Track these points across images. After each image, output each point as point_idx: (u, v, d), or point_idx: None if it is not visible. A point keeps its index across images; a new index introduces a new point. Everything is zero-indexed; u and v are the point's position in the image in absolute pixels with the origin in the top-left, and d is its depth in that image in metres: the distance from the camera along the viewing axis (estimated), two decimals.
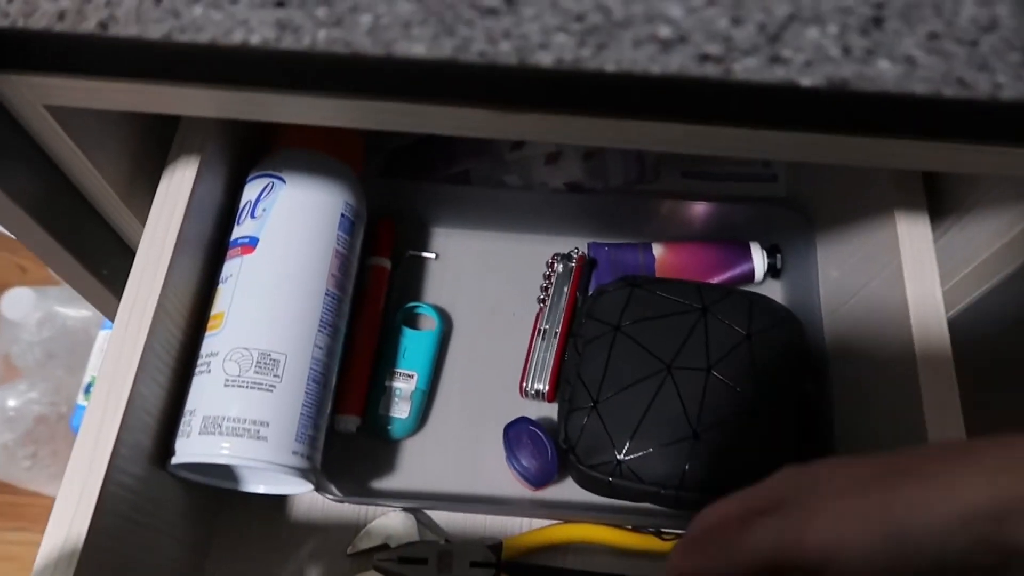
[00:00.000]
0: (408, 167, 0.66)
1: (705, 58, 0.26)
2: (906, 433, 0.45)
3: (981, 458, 0.26)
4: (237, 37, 0.27)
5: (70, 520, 0.40)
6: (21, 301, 0.97)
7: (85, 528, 0.40)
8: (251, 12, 0.26)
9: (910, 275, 0.47)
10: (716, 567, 0.29)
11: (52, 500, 1.17)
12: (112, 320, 0.54)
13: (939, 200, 0.50)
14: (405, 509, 0.56)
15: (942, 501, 0.26)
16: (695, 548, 0.30)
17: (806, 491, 0.29)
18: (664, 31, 0.25)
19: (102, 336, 0.94)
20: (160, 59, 0.34)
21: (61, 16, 0.27)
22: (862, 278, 0.53)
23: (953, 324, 0.53)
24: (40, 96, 0.39)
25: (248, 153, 0.56)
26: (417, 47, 0.27)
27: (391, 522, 0.56)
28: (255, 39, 0.27)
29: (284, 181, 0.53)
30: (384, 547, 0.55)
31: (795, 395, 0.57)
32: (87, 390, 0.92)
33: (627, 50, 0.26)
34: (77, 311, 1.00)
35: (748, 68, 0.26)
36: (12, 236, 0.46)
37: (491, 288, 0.66)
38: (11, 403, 0.95)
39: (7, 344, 1.03)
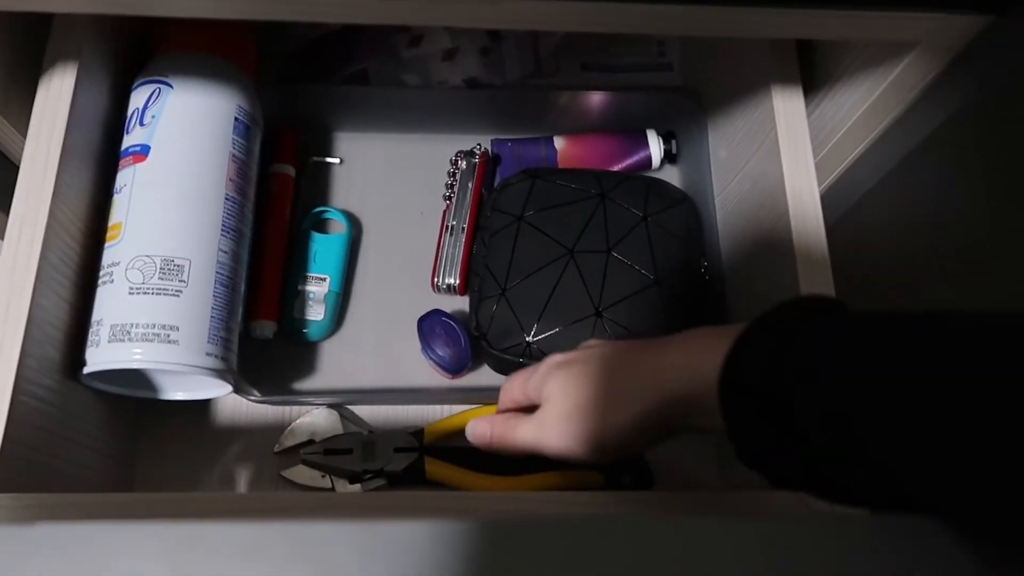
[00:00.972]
0: (305, 71, 0.65)
1: None
2: (786, 294, 0.49)
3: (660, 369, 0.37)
4: None
5: None
6: None
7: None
8: None
9: (785, 145, 0.50)
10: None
11: None
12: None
13: (812, 72, 0.53)
14: (328, 406, 0.58)
15: (622, 420, 0.38)
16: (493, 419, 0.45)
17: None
18: None
19: None
20: None
21: None
22: (745, 155, 0.56)
23: (829, 191, 0.56)
24: None
25: (133, 59, 0.55)
26: None
27: (315, 419, 0.58)
28: None
29: (172, 86, 0.52)
30: (310, 443, 0.57)
31: (690, 270, 0.60)
32: None
33: None
34: None
35: None
36: None
37: (397, 189, 0.67)
38: None
39: None
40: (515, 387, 0.45)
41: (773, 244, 0.51)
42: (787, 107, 0.51)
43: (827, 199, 0.52)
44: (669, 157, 0.68)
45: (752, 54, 0.56)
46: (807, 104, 0.52)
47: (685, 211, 0.62)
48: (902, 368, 0.28)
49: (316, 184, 0.66)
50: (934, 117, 0.46)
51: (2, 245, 0.44)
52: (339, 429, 0.58)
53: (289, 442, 0.57)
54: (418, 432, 0.57)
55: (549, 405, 0.41)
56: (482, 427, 0.45)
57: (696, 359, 0.35)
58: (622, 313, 0.57)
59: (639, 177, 0.64)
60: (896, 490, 0.28)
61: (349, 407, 0.60)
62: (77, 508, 0.40)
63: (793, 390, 0.31)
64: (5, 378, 0.42)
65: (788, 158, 0.49)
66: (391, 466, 0.55)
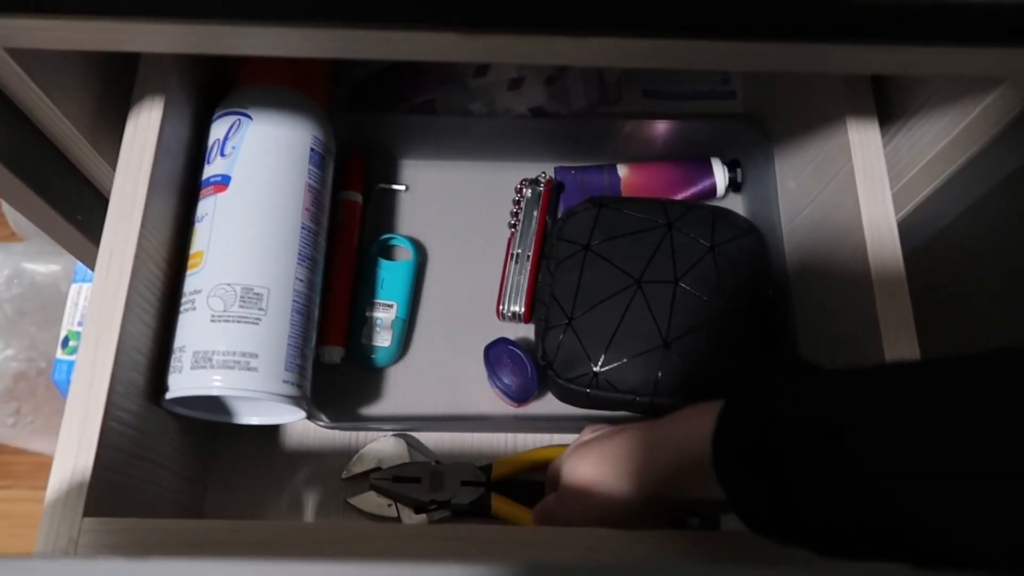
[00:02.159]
0: (373, 99, 0.66)
1: None
2: (861, 330, 0.48)
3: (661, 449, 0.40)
4: None
5: (75, 457, 0.42)
6: None
7: (91, 463, 0.41)
8: None
9: (861, 179, 0.49)
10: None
11: (37, 456, 1.18)
12: (90, 267, 0.55)
13: (887, 105, 0.52)
14: (395, 433, 0.59)
15: (624, 498, 0.41)
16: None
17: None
18: None
19: (74, 289, 0.94)
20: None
21: None
22: (817, 186, 0.55)
23: (903, 223, 0.56)
24: (2, 39, 0.39)
25: (213, 91, 0.56)
26: None
27: (382, 446, 0.58)
28: None
29: (251, 118, 0.53)
30: (378, 469, 0.58)
31: (758, 301, 0.60)
32: (64, 344, 0.93)
33: None
34: (45, 266, 1.00)
35: None
36: None
37: (462, 216, 0.67)
38: None
39: None
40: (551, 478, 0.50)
41: (849, 277, 0.50)
42: (862, 140, 0.50)
43: (900, 232, 0.52)
44: (734, 185, 0.68)
45: (822, 84, 0.55)
46: (883, 135, 0.51)
47: (753, 241, 0.62)
48: (887, 390, 0.30)
49: (383, 210, 0.67)
50: (1018, 153, 0.46)
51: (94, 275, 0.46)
52: (405, 457, 0.58)
53: (357, 469, 0.58)
54: (486, 466, 0.57)
55: (561, 486, 0.45)
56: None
57: (690, 427, 0.37)
58: (690, 344, 0.57)
59: (705, 206, 0.63)
60: (896, 522, 0.28)
61: (415, 434, 0.60)
62: (163, 533, 0.41)
63: (782, 427, 0.32)
64: (97, 404, 0.43)
65: (865, 193, 0.49)
66: (457, 499, 0.56)
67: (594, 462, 0.43)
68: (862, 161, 0.49)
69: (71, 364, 0.92)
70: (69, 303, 0.94)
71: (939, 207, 0.53)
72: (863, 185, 0.49)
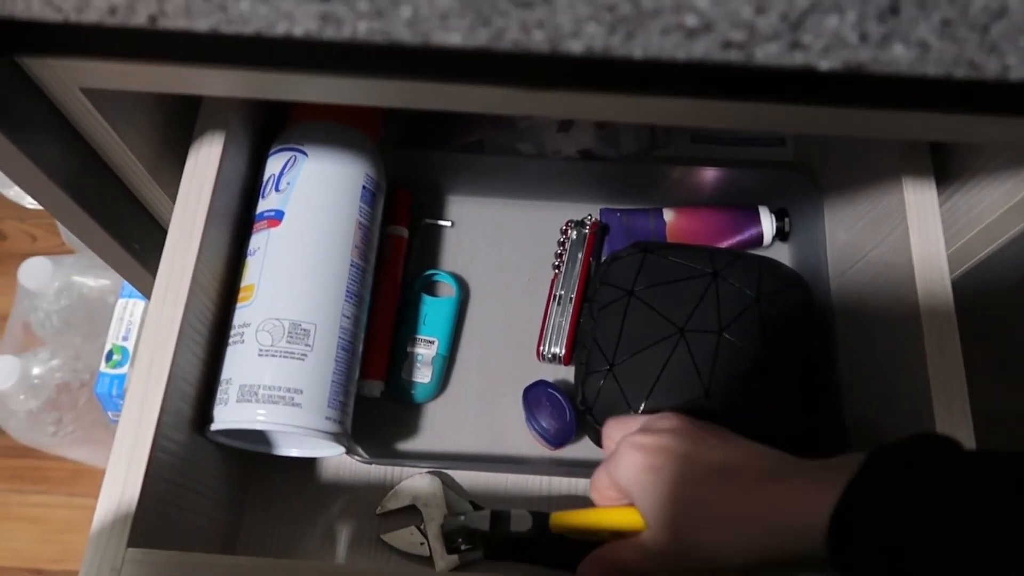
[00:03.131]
0: (423, 137, 0.67)
1: (728, 44, 0.27)
2: (911, 391, 0.48)
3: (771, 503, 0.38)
4: (281, 29, 0.28)
5: (122, 486, 0.42)
6: (39, 270, 0.98)
7: (137, 492, 0.42)
8: (296, 6, 0.27)
9: (916, 239, 0.49)
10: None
11: (74, 464, 1.20)
12: (142, 291, 0.56)
13: (945, 164, 0.51)
14: (430, 471, 0.59)
15: (721, 544, 0.39)
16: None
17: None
18: (691, 20, 0.26)
19: (121, 304, 0.96)
20: (195, 45, 0.35)
21: (112, 11, 0.28)
22: (870, 242, 0.55)
23: (957, 284, 0.54)
24: (76, 79, 0.40)
25: (270, 125, 0.58)
26: (453, 36, 0.28)
27: (418, 484, 0.58)
28: (298, 31, 0.28)
29: (307, 154, 0.54)
30: (412, 507, 0.57)
31: (803, 355, 0.59)
32: (108, 358, 0.95)
33: (655, 38, 0.27)
34: (95, 280, 1.02)
35: (769, 54, 0.28)
36: (40, 208, 0.47)
37: (507, 255, 0.68)
38: (35, 371, 0.98)
39: (26, 312, 1.05)
40: (603, 483, 0.46)
41: (900, 337, 0.49)
42: (919, 200, 0.50)
43: (954, 292, 0.51)
44: (781, 235, 0.68)
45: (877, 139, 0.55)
46: (938, 194, 0.51)
47: (800, 294, 0.61)
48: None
49: (427, 246, 0.68)
50: None
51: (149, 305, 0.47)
52: (440, 495, 0.58)
53: (391, 505, 0.58)
54: (542, 517, 0.53)
55: (645, 517, 0.42)
56: (588, 570, 0.45)
57: (805, 499, 0.36)
58: (732, 396, 0.56)
59: (752, 256, 0.63)
60: None
61: (450, 472, 0.60)
62: (206, 568, 0.41)
63: (909, 533, 0.31)
64: (146, 434, 0.44)
65: (919, 254, 0.48)
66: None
67: (678, 492, 0.40)
68: (917, 222, 0.49)
69: (113, 377, 0.94)
70: (115, 318, 0.96)
71: (996, 270, 0.52)
72: (918, 246, 0.48)
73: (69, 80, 0.40)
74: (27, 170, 0.42)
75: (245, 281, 0.52)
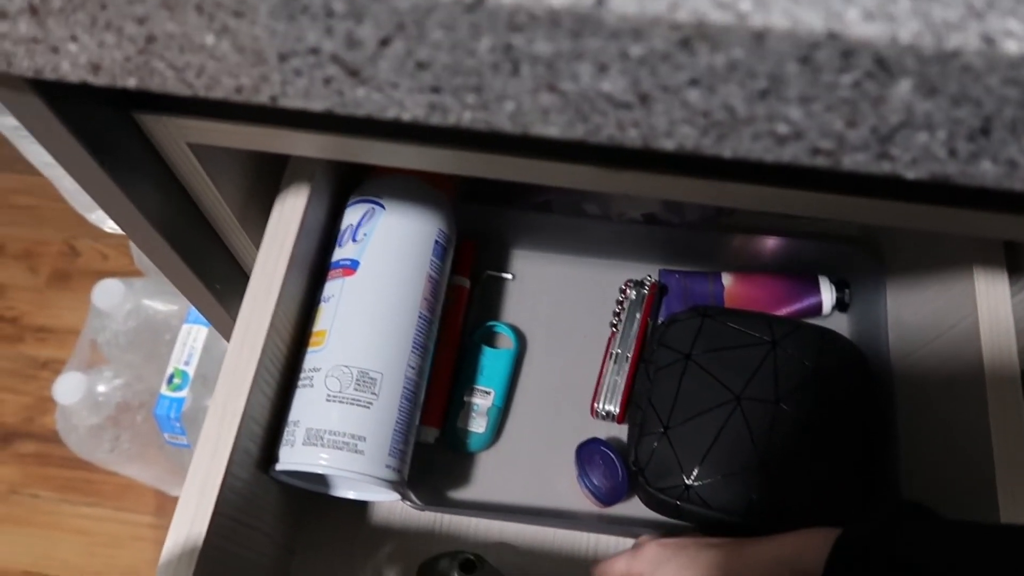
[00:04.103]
0: (493, 193, 0.69)
1: (817, 151, 0.28)
2: (975, 484, 0.47)
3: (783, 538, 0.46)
4: (391, 114, 0.30)
5: (191, 521, 0.44)
6: (112, 292, 1.02)
7: (205, 529, 0.44)
8: (407, 95, 0.29)
9: (986, 332, 0.48)
10: None
11: (124, 480, 1.22)
12: (219, 329, 0.58)
13: (1017, 255, 0.51)
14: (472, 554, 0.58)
15: (755, 553, 0.46)
16: None
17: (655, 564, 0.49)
18: (782, 128, 0.28)
19: (185, 330, 0.99)
20: (301, 112, 0.38)
21: (239, 90, 0.30)
22: (936, 328, 0.55)
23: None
24: (184, 135, 0.43)
25: (349, 175, 0.60)
26: (552, 129, 0.29)
27: None
28: (406, 116, 0.30)
29: (384, 207, 0.56)
30: None
31: (860, 432, 0.59)
32: (169, 381, 0.98)
33: (745, 142, 0.28)
34: (163, 304, 1.06)
35: (856, 162, 0.28)
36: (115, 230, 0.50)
37: (565, 310, 0.69)
38: (100, 388, 1.01)
39: (95, 331, 1.09)
40: (616, 573, 0.51)
41: (965, 429, 0.49)
42: (990, 293, 0.50)
43: None
44: (840, 305, 0.68)
45: None
46: (1010, 285, 0.51)
47: (859, 369, 0.61)
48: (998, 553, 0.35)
49: (489, 297, 0.69)
50: None
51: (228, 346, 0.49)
52: None
53: None
54: None
55: None
56: None
57: (801, 550, 0.43)
58: (787, 469, 0.56)
59: (812, 327, 0.63)
60: None
61: (499, 522, 0.61)
62: None
63: (899, 569, 0.37)
64: (217, 473, 0.45)
65: (989, 347, 0.48)
66: None
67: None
68: (988, 315, 0.49)
69: (173, 400, 0.97)
70: (179, 342, 0.99)
71: None
72: (988, 339, 0.48)
73: (177, 135, 0.43)
74: (128, 211, 0.45)
75: (318, 326, 0.53)
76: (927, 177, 0.29)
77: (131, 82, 0.31)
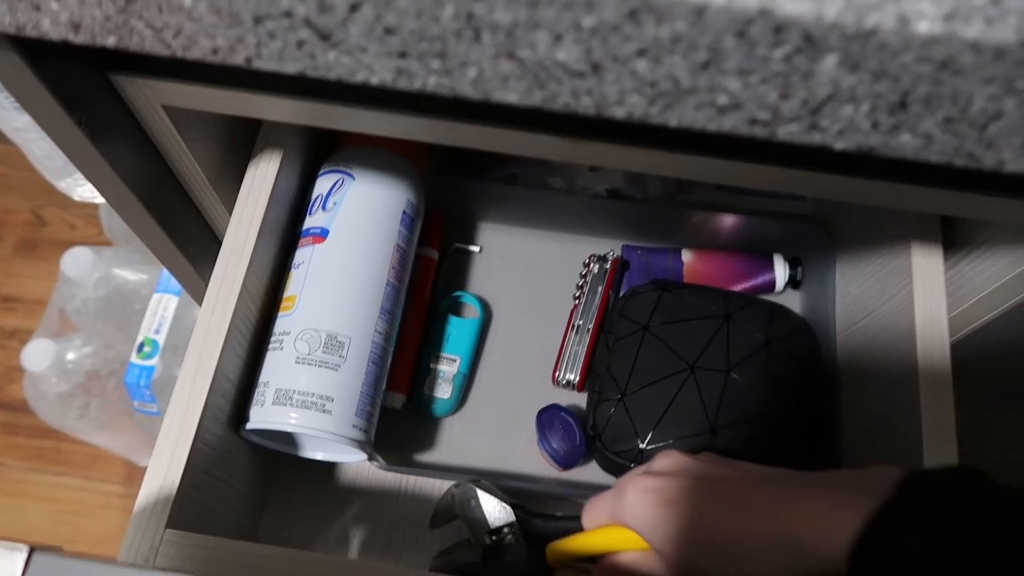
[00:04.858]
0: (461, 165, 0.71)
1: (754, 122, 0.31)
2: (904, 447, 0.50)
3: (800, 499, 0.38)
4: (359, 78, 0.32)
5: (165, 472, 0.46)
6: (81, 260, 1.02)
7: (178, 479, 0.46)
8: (376, 59, 0.31)
9: (920, 302, 0.52)
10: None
11: (93, 449, 1.23)
12: (192, 293, 0.60)
13: (953, 231, 0.54)
14: (470, 480, 0.58)
15: (760, 532, 0.38)
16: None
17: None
18: (723, 99, 0.30)
19: (155, 299, 1.00)
20: (266, 76, 0.39)
21: (215, 51, 0.32)
22: (874, 301, 0.58)
23: (958, 347, 0.57)
24: (160, 97, 0.44)
25: (321, 147, 0.62)
26: (511, 96, 0.31)
27: (448, 503, 0.55)
28: (374, 80, 0.32)
29: (354, 177, 0.58)
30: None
31: (806, 400, 0.62)
32: (140, 349, 0.99)
33: (689, 111, 0.31)
34: (133, 274, 1.06)
35: (790, 132, 0.31)
36: (83, 200, 0.51)
37: (530, 282, 0.71)
38: (69, 356, 1.02)
39: (64, 299, 1.09)
40: (601, 512, 0.46)
41: (898, 396, 0.52)
42: (925, 265, 0.53)
43: (955, 353, 0.54)
44: (793, 283, 0.71)
45: None
46: (945, 259, 0.54)
47: (807, 342, 0.64)
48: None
49: (456, 269, 0.71)
50: None
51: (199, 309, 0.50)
52: (468, 510, 0.54)
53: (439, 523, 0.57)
54: (538, 549, 0.51)
55: (658, 552, 0.41)
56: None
57: (826, 522, 0.35)
58: (735, 435, 0.59)
59: (764, 302, 0.66)
60: None
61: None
62: (232, 554, 0.44)
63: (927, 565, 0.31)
64: (190, 426, 0.47)
65: (922, 318, 0.51)
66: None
67: (697, 524, 0.40)
68: (922, 285, 0.52)
69: (143, 368, 0.98)
70: (149, 311, 1.00)
71: (994, 336, 0.55)
72: (921, 309, 0.51)
73: (152, 97, 0.44)
74: (104, 173, 0.46)
75: (288, 292, 0.55)
76: (854, 148, 0.31)
77: (110, 41, 0.32)
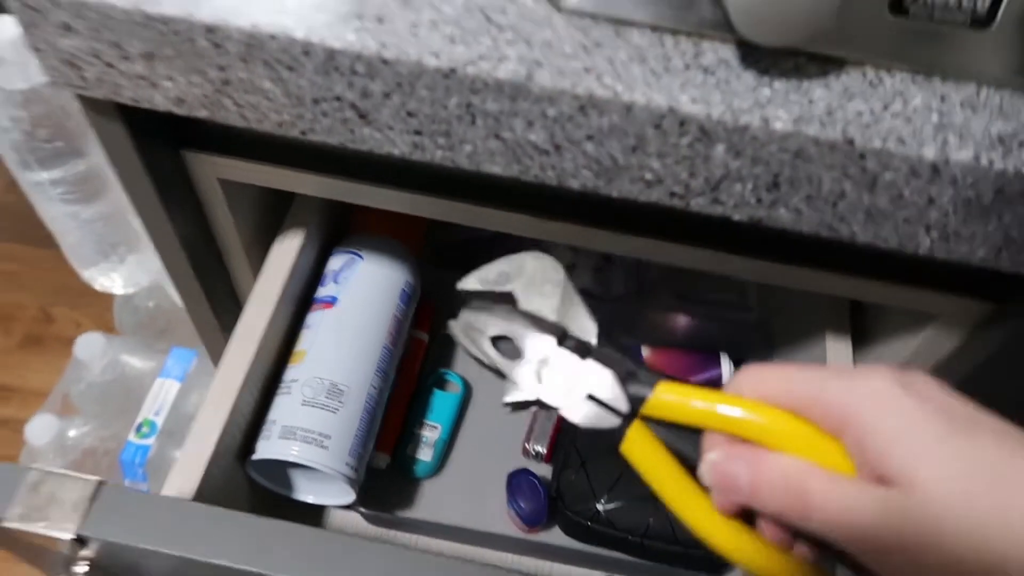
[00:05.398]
0: (453, 260, 0.82)
1: (673, 195, 0.42)
2: None
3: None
4: (385, 149, 0.43)
5: (182, 479, 0.53)
6: (93, 344, 1.11)
7: (193, 491, 0.53)
8: (399, 135, 0.42)
9: None
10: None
11: None
12: (209, 348, 0.68)
13: (862, 323, 0.65)
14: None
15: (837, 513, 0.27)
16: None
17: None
18: (648, 175, 0.41)
19: (158, 383, 1.08)
20: (303, 156, 0.51)
21: (280, 125, 0.43)
22: None
23: None
24: (217, 171, 0.55)
25: (337, 230, 0.73)
26: (496, 168, 0.43)
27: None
28: (396, 152, 0.43)
29: (362, 258, 0.68)
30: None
31: None
32: (138, 429, 1.05)
33: (625, 184, 0.42)
34: (141, 362, 1.14)
35: (699, 204, 0.42)
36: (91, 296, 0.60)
37: None
38: (70, 433, 1.08)
39: (70, 383, 1.16)
40: (780, 382, 0.32)
41: None
42: (836, 351, 0.63)
43: None
44: None
45: (812, 303, 0.69)
46: (859, 349, 0.64)
47: None
48: None
49: (443, 349, 0.81)
50: (953, 378, 0.57)
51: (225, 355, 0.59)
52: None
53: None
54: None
55: (895, 482, 0.26)
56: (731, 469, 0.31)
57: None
58: None
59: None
60: None
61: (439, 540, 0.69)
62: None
63: None
64: (204, 454, 0.55)
65: None
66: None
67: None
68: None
69: (139, 447, 1.04)
70: (151, 394, 1.07)
71: None
72: None
73: (211, 171, 0.55)
74: (164, 229, 0.56)
75: (299, 347, 0.64)
76: (747, 219, 0.42)
77: (203, 113, 0.43)
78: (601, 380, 0.39)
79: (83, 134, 0.95)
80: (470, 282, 0.46)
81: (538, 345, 0.42)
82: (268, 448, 0.59)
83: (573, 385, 0.40)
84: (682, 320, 0.82)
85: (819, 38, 0.37)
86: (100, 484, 0.37)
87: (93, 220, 1.05)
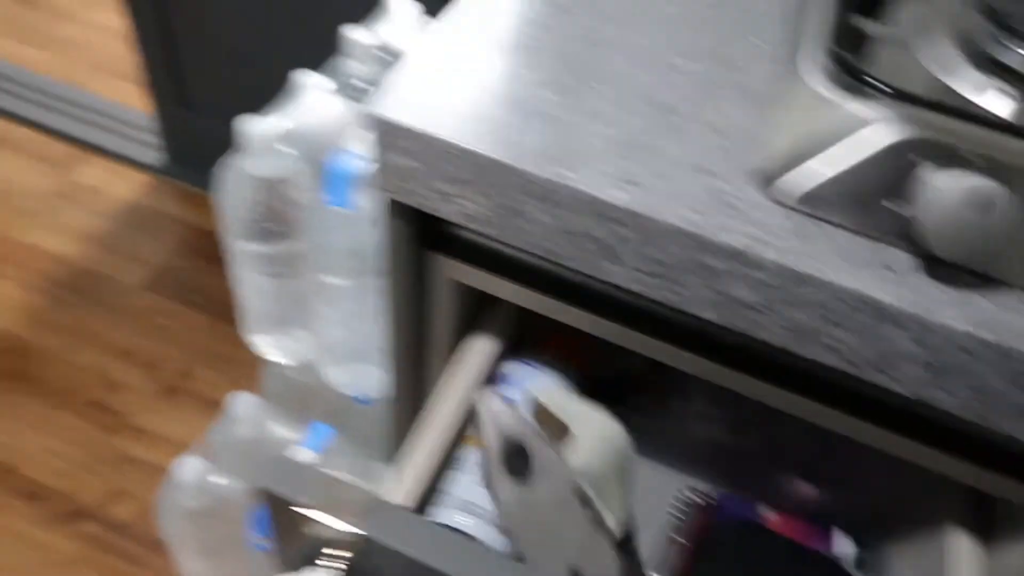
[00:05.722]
0: (607, 393, 0.90)
1: (849, 362, 0.50)
2: None
3: None
4: (622, 282, 0.53)
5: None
6: (247, 404, 1.20)
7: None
8: (633, 273, 0.52)
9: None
10: None
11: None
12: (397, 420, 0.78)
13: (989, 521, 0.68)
14: None
15: None
16: None
17: None
18: (831, 342, 0.50)
19: (296, 451, 1.17)
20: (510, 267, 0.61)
21: (547, 251, 0.54)
22: None
23: None
24: (450, 272, 0.66)
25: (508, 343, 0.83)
26: (707, 313, 0.52)
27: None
28: (634, 287, 0.53)
29: (535, 370, 0.78)
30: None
31: None
32: None
33: (811, 347, 0.51)
34: (286, 430, 1.23)
35: (869, 375, 0.50)
36: None
37: None
38: (211, 478, 1.17)
39: (216, 433, 1.26)
40: None
41: None
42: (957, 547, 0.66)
43: None
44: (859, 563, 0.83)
45: (931, 488, 0.73)
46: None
47: None
48: None
49: None
50: None
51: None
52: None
53: None
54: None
55: None
56: None
57: None
58: None
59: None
60: None
61: None
62: None
63: None
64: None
65: None
66: None
67: None
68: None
69: None
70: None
71: None
72: None
73: (446, 272, 0.66)
74: (395, 317, 0.68)
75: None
76: (911, 395, 0.50)
77: (474, 225, 0.55)
78: None
79: (295, 220, 1.10)
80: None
81: None
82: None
83: None
84: (805, 488, 0.87)
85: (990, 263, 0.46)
86: (376, 498, 0.45)
87: (280, 295, 1.18)
